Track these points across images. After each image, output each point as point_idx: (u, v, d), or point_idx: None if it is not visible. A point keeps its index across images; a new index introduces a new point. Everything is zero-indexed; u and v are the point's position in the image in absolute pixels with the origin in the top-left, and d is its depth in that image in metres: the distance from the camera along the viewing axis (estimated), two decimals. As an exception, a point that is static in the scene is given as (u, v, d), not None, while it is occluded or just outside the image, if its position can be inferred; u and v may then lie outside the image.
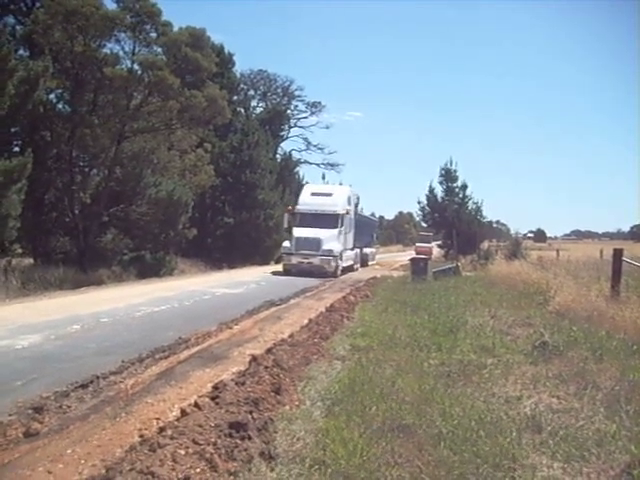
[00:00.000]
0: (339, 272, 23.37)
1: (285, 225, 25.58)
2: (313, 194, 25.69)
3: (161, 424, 4.66)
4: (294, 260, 23.03)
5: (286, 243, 23.88)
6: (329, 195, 25.48)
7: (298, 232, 23.35)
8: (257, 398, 5.02)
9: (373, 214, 52.19)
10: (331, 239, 23.19)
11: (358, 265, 28.60)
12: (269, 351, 7.24)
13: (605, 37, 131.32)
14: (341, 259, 23.85)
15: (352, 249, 26.92)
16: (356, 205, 30.51)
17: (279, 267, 24.46)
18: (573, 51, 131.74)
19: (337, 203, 24.79)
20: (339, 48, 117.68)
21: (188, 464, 3.62)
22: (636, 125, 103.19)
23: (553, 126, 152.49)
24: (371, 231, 36.06)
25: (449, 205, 35.00)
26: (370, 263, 32.43)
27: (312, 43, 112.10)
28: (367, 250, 32.04)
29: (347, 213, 25.01)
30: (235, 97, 35.18)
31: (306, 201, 25.13)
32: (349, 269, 26.04)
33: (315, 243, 22.74)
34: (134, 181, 21.35)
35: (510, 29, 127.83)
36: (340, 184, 31.03)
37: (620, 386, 5.65)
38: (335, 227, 23.70)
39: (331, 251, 22.84)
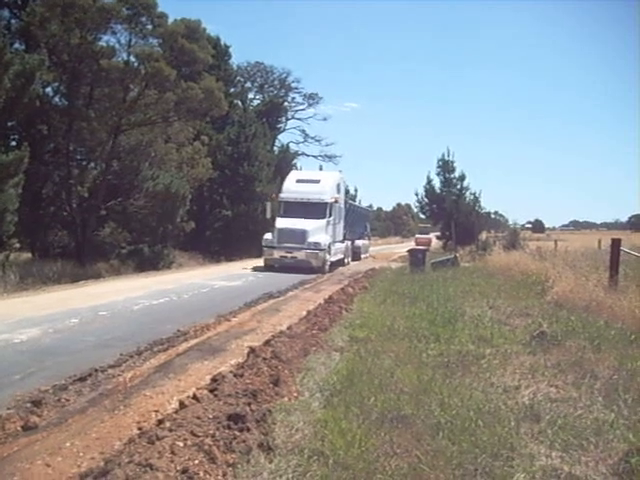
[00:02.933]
0: (327, 267, 21.26)
1: (268, 215, 23.49)
2: (298, 181, 23.38)
3: (160, 416, 4.67)
4: (276, 254, 20.90)
5: (268, 235, 21.39)
6: (316, 182, 23.10)
7: (281, 223, 21.25)
8: (255, 390, 5.02)
9: (370, 205, 52.05)
10: (318, 230, 21.07)
11: (349, 259, 26.51)
12: (267, 343, 7.23)
13: (601, 28, 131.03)
14: (329, 253, 21.59)
15: (342, 241, 24.79)
16: (353, 197, 29.92)
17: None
18: (571, 43, 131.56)
19: (325, 191, 22.45)
20: (335, 39, 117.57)
21: (187, 456, 3.62)
22: (634, 116, 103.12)
23: (551, 117, 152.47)
24: (364, 222, 33.53)
25: (447, 196, 34.96)
26: (363, 256, 30.31)
27: (308, 34, 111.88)
28: (359, 242, 29.77)
29: (336, 202, 22.76)
30: (232, 89, 35.13)
31: (291, 188, 22.79)
32: (339, 263, 23.96)
33: (300, 235, 20.57)
34: (131, 174, 21.37)
35: (507, 23, 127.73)
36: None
37: (618, 375, 5.66)
38: (322, 217, 21.56)
39: (318, 244, 20.68)
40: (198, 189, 27.17)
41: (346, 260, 25.61)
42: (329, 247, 21.52)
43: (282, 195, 22.60)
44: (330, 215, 22.03)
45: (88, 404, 5.18)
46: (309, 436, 4.19)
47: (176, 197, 21.72)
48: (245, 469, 3.68)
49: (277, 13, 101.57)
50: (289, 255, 20.75)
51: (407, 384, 5.37)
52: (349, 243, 26.56)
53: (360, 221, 31.36)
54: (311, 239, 20.60)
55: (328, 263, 21.45)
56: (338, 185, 24.27)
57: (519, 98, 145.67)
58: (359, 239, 29.98)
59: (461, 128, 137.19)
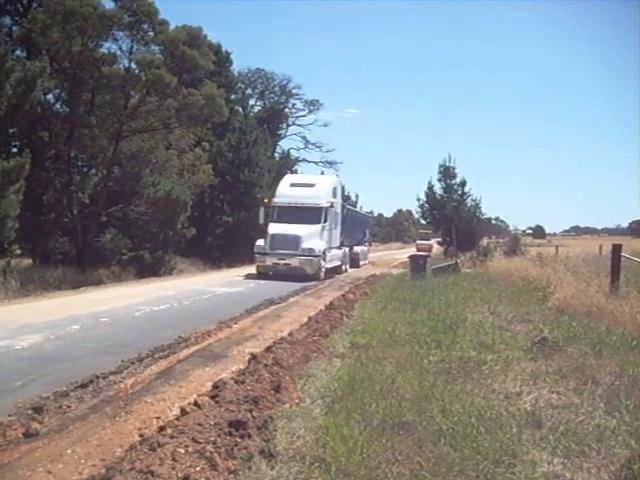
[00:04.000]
0: (322, 274, 20.33)
1: (261, 221, 22.28)
2: (293, 185, 22.46)
3: (161, 423, 4.66)
4: (269, 261, 20.00)
5: (260, 241, 20.50)
6: (311, 186, 22.17)
7: (274, 228, 20.34)
8: (257, 396, 5.01)
9: (371, 211, 52.03)
10: (312, 236, 20.16)
11: (347, 266, 25.54)
12: (269, 349, 7.23)
13: (603, 33, 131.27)
14: (324, 259, 20.68)
15: (339, 248, 23.78)
16: (354, 203, 29.57)
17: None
18: (573, 45, 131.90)
19: (320, 195, 21.46)
20: (336, 46, 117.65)
21: (188, 463, 3.62)
22: (635, 120, 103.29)
23: (551, 123, 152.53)
24: (363, 227, 32.48)
25: (448, 202, 34.96)
26: (362, 263, 29.40)
27: (309, 41, 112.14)
28: (358, 249, 28.83)
29: (332, 206, 21.77)
30: (233, 96, 35.23)
31: (284, 193, 21.86)
32: (335, 270, 22.93)
33: (293, 241, 19.68)
34: (132, 181, 21.41)
35: (508, 26, 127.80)
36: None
37: (620, 381, 5.65)
38: (317, 222, 20.63)
39: (312, 250, 19.74)
40: (199, 195, 27.21)
41: (343, 267, 24.73)
42: (324, 253, 20.69)
43: (275, 200, 21.75)
44: (325, 220, 21.17)
45: (89, 411, 5.17)
46: (310, 443, 4.18)
47: (177, 203, 21.71)
48: (246, 476, 3.67)
49: (277, 20, 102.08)
50: (282, 262, 19.85)
51: (408, 390, 5.37)
52: (347, 249, 25.77)
53: (359, 227, 30.59)
54: (305, 245, 19.74)
55: (323, 270, 20.62)
56: (334, 189, 23.44)
57: (520, 104, 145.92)
58: (358, 245, 29.22)
59: (462, 134, 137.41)
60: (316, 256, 19.91)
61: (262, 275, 20.15)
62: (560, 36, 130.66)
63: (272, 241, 19.93)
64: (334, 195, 23.02)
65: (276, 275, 19.56)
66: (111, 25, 18.92)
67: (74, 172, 21.20)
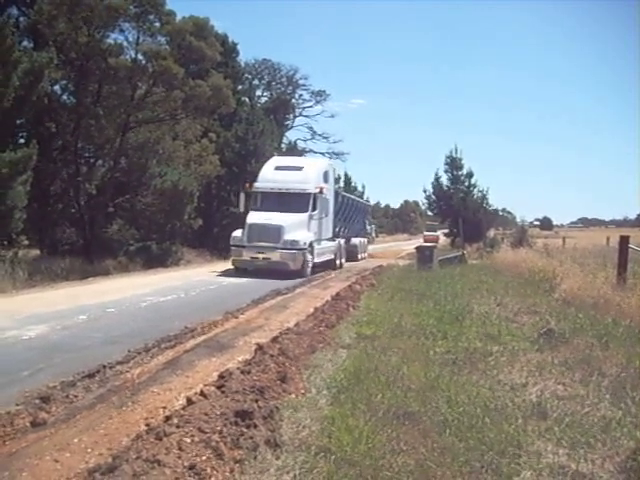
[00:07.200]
0: (308, 270, 17.98)
1: (241, 208, 19.60)
2: (277, 168, 19.90)
3: (167, 413, 4.68)
4: (246, 255, 17.57)
5: (237, 232, 18.10)
6: (298, 169, 19.65)
7: (253, 217, 17.99)
8: (263, 386, 5.03)
9: (378, 202, 51.94)
10: (297, 226, 17.80)
11: (342, 260, 22.80)
12: (275, 340, 7.25)
13: (606, 31, 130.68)
14: (312, 253, 18.26)
15: (332, 239, 21.35)
16: (361, 194, 29.04)
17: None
18: (576, 43, 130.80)
19: (308, 179, 18.97)
20: (341, 35, 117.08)
21: (194, 452, 3.63)
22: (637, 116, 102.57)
23: (559, 115, 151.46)
24: (362, 217, 29.92)
25: (455, 193, 34.92)
26: (360, 256, 27.02)
27: (315, 31, 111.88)
28: (356, 240, 26.44)
29: (321, 192, 19.02)
30: (240, 86, 35.06)
31: (267, 177, 19.34)
32: (327, 265, 20.53)
33: (274, 232, 17.21)
34: (139, 171, 21.41)
35: (514, 21, 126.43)
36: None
37: (626, 373, 5.65)
38: (304, 210, 18.24)
39: (296, 242, 17.31)
40: (206, 186, 27.13)
41: (338, 261, 22.11)
42: (311, 246, 18.29)
43: (257, 185, 19.25)
44: (314, 208, 18.70)
45: (96, 400, 5.20)
46: (316, 433, 4.20)
47: (184, 194, 21.68)
48: (252, 465, 3.69)
49: (284, 11, 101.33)
50: (261, 256, 17.44)
51: (414, 381, 5.38)
52: (342, 241, 23.19)
53: (357, 216, 28.31)
54: (288, 237, 17.29)
55: (310, 265, 18.25)
56: (325, 173, 20.86)
57: (527, 96, 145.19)
58: (356, 237, 27.01)
59: (469, 125, 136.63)
60: (300, 249, 17.53)
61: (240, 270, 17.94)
62: (566, 34, 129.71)
63: (250, 232, 17.61)
64: (325, 180, 20.50)
65: (256, 272, 17.27)
66: (117, 16, 18.83)
67: (81, 163, 21.19)
